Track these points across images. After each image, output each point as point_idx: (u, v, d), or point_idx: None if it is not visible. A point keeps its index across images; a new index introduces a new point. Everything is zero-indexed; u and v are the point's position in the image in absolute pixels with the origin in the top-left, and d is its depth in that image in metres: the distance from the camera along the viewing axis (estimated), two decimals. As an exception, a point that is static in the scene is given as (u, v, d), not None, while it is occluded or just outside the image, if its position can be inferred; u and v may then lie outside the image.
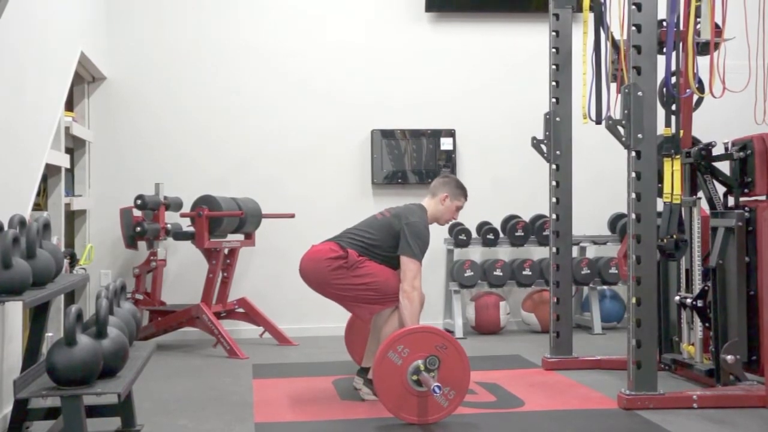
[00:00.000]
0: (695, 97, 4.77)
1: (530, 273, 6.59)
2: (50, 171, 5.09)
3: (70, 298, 5.90)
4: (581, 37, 4.93)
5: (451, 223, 4.83)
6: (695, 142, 4.80)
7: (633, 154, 4.19)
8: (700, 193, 4.71)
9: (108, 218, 6.35)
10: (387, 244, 4.37)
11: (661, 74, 4.37)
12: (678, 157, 4.47)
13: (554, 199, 5.26)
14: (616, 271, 6.52)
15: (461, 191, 4.60)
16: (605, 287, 6.79)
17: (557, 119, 5.24)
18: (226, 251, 6.14)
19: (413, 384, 3.82)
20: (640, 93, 4.16)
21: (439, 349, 3.82)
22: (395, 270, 4.36)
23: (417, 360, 3.81)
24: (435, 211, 4.55)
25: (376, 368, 3.87)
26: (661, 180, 4.44)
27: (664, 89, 4.70)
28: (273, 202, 6.41)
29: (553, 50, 5.26)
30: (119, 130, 6.56)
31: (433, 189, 4.59)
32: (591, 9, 4.89)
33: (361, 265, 4.31)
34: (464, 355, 3.88)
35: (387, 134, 6.74)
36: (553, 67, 5.26)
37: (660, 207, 4.41)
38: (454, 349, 3.86)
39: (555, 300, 5.24)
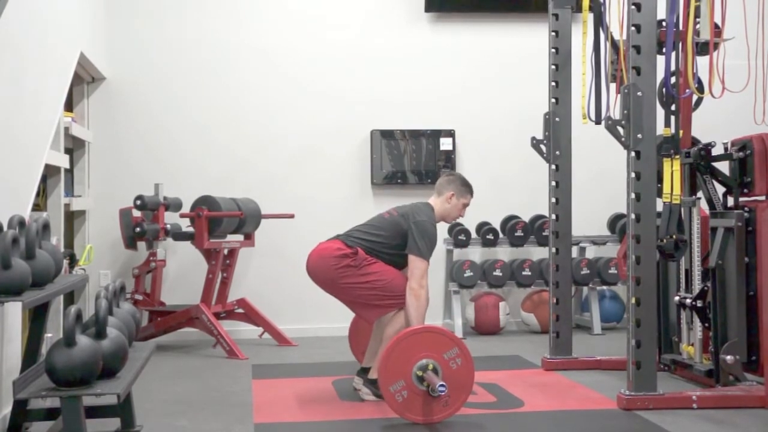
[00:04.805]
0: (694, 97, 4.77)
1: (530, 273, 6.59)
2: (50, 171, 5.08)
3: (70, 298, 5.90)
4: (581, 37, 4.93)
5: (454, 221, 4.82)
6: (695, 142, 4.79)
7: (632, 154, 4.19)
8: (700, 194, 4.71)
9: (107, 219, 6.35)
10: (394, 242, 4.38)
11: (660, 74, 4.37)
12: (677, 157, 4.46)
13: (554, 200, 5.26)
14: (616, 272, 6.51)
15: (467, 188, 4.60)
16: (605, 287, 6.78)
17: (557, 119, 5.24)
18: (225, 251, 6.14)
19: (418, 382, 3.83)
20: (639, 93, 4.16)
21: (446, 357, 3.85)
22: (402, 269, 4.37)
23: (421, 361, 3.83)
24: (442, 209, 4.55)
25: (382, 368, 3.88)
26: (660, 180, 4.44)
27: (664, 89, 4.69)
28: (272, 202, 6.41)
29: (553, 50, 5.26)
30: (119, 130, 6.55)
31: (439, 188, 4.59)
32: (590, 9, 4.89)
33: (368, 264, 4.31)
34: (469, 356, 3.89)
35: (386, 134, 6.74)
36: (553, 67, 5.26)
37: (659, 207, 4.41)
38: (459, 351, 3.87)
39: (554, 300, 5.24)
